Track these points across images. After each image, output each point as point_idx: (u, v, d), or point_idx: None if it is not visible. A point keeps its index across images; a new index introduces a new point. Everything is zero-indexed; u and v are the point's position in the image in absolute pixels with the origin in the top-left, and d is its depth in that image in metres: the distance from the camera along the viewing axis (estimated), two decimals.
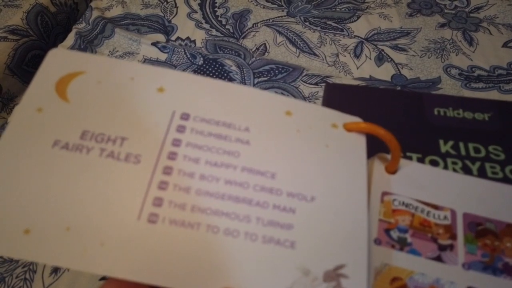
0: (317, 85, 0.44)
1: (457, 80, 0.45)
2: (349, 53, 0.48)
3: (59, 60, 0.19)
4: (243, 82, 0.44)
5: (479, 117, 0.27)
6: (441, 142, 0.25)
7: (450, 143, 0.25)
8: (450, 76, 0.45)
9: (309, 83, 0.44)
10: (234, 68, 0.45)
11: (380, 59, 0.47)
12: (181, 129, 0.18)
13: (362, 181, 0.19)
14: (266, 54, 0.48)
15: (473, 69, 0.46)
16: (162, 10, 0.54)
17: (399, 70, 0.46)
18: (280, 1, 0.56)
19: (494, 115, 0.27)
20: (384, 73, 0.46)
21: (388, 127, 0.26)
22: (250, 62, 0.47)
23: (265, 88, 0.44)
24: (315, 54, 0.48)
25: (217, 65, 0.46)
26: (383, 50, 0.48)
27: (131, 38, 0.49)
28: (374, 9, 0.54)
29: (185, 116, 0.19)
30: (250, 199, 0.17)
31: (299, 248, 0.17)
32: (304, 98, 0.43)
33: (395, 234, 0.20)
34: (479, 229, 0.20)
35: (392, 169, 0.22)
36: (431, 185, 0.21)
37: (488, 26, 0.51)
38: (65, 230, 0.16)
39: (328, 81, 0.44)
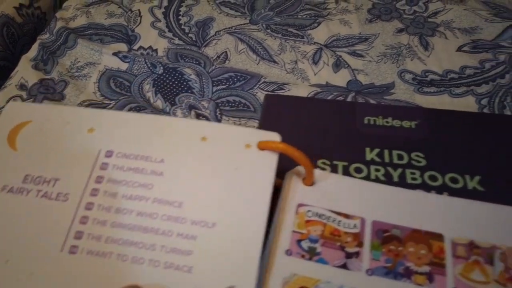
0: (274, 92, 0.45)
1: (410, 85, 0.46)
2: (308, 60, 0.49)
3: (12, 112, 0.22)
4: (202, 90, 0.45)
5: (406, 125, 0.28)
6: (368, 150, 0.26)
7: (376, 150, 0.26)
8: (404, 81, 0.46)
9: (266, 91, 0.45)
10: (193, 76, 0.46)
11: (338, 65, 0.49)
12: (104, 166, 0.21)
13: (264, 203, 0.20)
14: (227, 62, 0.49)
15: (427, 74, 0.47)
16: (126, 20, 0.55)
17: (355, 76, 0.47)
18: (244, 9, 0.57)
19: (421, 122, 0.28)
20: (340, 79, 0.47)
21: (319, 136, 0.27)
22: (209, 71, 0.47)
23: (223, 96, 0.45)
24: (274, 61, 0.49)
25: (177, 74, 0.47)
26: (341, 56, 0.50)
27: (93, 48, 0.49)
28: (335, 16, 0.55)
29: (109, 154, 0.21)
30: (157, 228, 0.19)
31: (195, 272, 0.18)
32: (261, 105, 0.44)
33: (306, 244, 0.21)
34: (385, 236, 0.21)
35: (308, 182, 0.23)
36: (344, 195, 0.22)
37: (444, 31, 0.52)
38: (4, 263, 0.18)
39: (283, 88, 0.45)
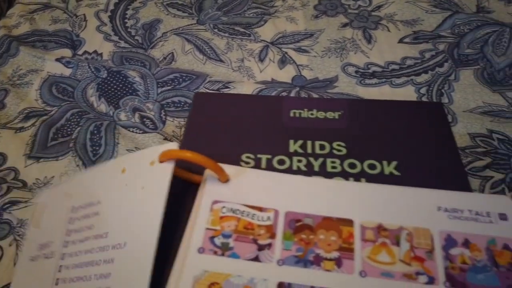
0: (219, 91, 0.45)
1: (353, 77, 0.47)
2: (254, 58, 0.50)
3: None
4: (146, 92, 0.45)
5: (330, 116, 0.28)
6: (291, 142, 0.27)
7: (299, 142, 0.27)
8: (347, 74, 0.47)
9: (211, 89, 0.45)
10: (137, 79, 0.46)
11: (283, 61, 0.49)
12: (71, 220, 0.24)
13: (157, 212, 0.20)
14: (173, 63, 0.49)
15: (369, 66, 0.48)
16: (71, 25, 0.54)
17: (300, 71, 0.48)
18: (191, 9, 0.57)
19: (344, 113, 0.28)
20: (286, 75, 0.48)
21: (245, 131, 0.28)
22: (155, 72, 0.47)
23: (169, 97, 0.45)
24: (221, 60, 0.49)
25: (121, 77, 0.46)
26: (286, 52, 0.50)
27: (36, 55, 0.49)
28: (282, 13, 0.56)
29: (73, 209, 0.24)
30: (93, 260, 0.21)
31: None
32: None
33: (219, 240, 0.21)
34: (297, 225, 0.21)
35: (223, 179, 0.23)
36: (259, 189, 0.23)
37: (387, 24, 0.53)
38: None
39: (228, 86, 0.45)
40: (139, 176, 0.23)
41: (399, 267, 0.20)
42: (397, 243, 0.21)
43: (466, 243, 0.21)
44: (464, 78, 0.46)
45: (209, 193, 0.23)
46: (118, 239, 0.21)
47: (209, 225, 0.21)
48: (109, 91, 0.45)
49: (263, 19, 0.55)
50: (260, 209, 0.22)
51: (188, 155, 0.21)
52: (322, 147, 0.26)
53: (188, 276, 0.20)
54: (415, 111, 0.28)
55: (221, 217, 0.22)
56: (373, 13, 0.55)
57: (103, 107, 0.44)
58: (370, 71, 0.47)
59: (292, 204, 0.22)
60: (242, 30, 0.53)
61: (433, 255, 0.20)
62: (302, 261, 0.20)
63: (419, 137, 0.26)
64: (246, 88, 0.45)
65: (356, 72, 0.47)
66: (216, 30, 0.53)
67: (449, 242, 0.21)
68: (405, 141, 0.26)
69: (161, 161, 0.22)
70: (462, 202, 0.22)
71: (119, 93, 0.45)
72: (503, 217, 0.21)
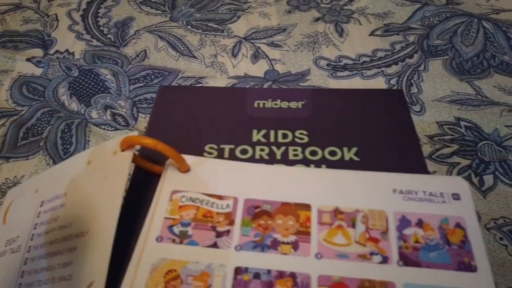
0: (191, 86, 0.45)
1: (324, 70, 0.47)
2: (227, 53, 0.50)
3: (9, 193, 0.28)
4: (118, 90, 0.45)
5: (294, 106, 0.28)
6: (255, 132, 0.27)
7: (263, 132, 0.27)
8: (319, 67, 0.47)
9: (184, 85, 0.45)
10: (109, 76, 0.46)
11: (256, 56, 0.49)
12: (39, 214, 0.24)
13: (117, 201, 0.20)
14: (146, 60, 0.49)
15: (341, 59, 0.48)
16: (42, 25, 0.54)
17: (272, 65, 0.48)
18: (164, 7, 0.56)
19: (307, 102, 0.29)
20: (259, 69, 0.48)
21: (209, 123, 0.28)
22: (127, 70, 0.47)
23: (141, 94, 0.45)
24: (194, 57, 0.50)
25: (92, 75, 0.46)
26: (259, 47, 0.50)
27: (6, 56, 0.48)
28: (255, 9, 0.56)
29: (41, 204, 0.24)
30: (57, 251, 0.21)
31: (73, 279, 0.19)
32: None
33: (177, 229, 0.21)
34: (256, 212, 0.22)
35: (183, 169, 0.23)
36: (219, 178, 0.23)
37: (359, 17, 0.54)
38: None
39: (201, 82, 0.45)
40: (102, 166, 0.23)
41: (354, 248, 0.20)
42: (353, 225, 0.21)
43: (420, 223, 0.21)
44: (433, 68, 0.46)
45: (168, 183, 0.23)
46: (81, 228, 0.21)
47: (167, 215, 0.22)
48: (81, 90, 0.45)
49: (236, 15, 0.55)
50: (220, 197, 0.22)
51: (147, 141, 0.21)
52: (284, 136, 0.27)
53: (146, 264, 0.20)
54: (377, 98, 0.29)
55: (180, 207, 0.22)
56: (345, 7, 0.55)
57: (74, 105, 0.44)
58: (341, 63, 0.48)
59: (252, 192, 0.22)
60: (215, 26, 0.53)
61: (387, 235, 0.21)
62: (259, 246, 0.20)
63: (379, 123, 0.27)
64: (219, 83, 0.45)
65: (328, 65, 0.48)
66: (189, 27, 0.53)
67: (403, 222, 0.21)
68: (366, 128, 0.27)
69: (122, 150, 0.22)
70: (417, 184, 0.22)
71: (90, 91, 0.45)
72: (456, 197, 0.22)
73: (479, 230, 0.21)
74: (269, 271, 0.19)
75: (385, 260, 0.20)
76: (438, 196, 0.22)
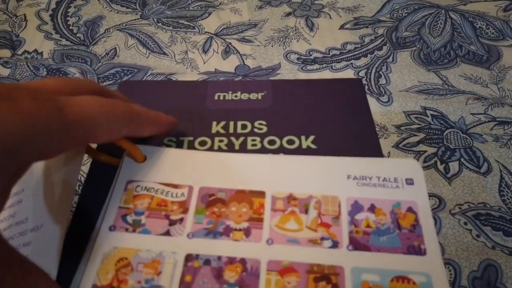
0: None
1: (295, 64, 0.47)
2: (198, 49, 0.50)
3: None
4: None
5: (253, 97, 0.29)
6: (214, 123, 0.27)
7: (222, 123, 0.27)
8: (289, 61, 0.48)
9: (145, 80, 0.45)
10: (77, 75, 0.45)
11: (227, 52, 0.49)
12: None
13: (70, 191, 0.20)
14: (116, 58, 0.49)
15: (311, 53, 0.49)
16: (11, 25, 0.53)
17: (243, 60, 0.48)
18: (135, 5, 0.56)
19: (267, 93, 0.29)
20: (229, 65, 0.48)
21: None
22: (96, 68, 0.47)
23: None
24: (164, 53, 0.49)
25: (60, 75, 0.46)
26: (230, 43, 0.50)
27: None
28: (226, 5, 0.56)
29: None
30: (16, 246, 0.21)
31: None
32: None
33: (131, 218, 0.21)
34: (210, 200, 0.22)
35: (139, 159, 0.23)
36: (174, 167, 0.23)
37: (329, 11, 0.54)
38: None
39: (171, 78, 0.45)
40: (59, 160, 0.23)
41: (305, 233, 0.20)
42: (306, 211, 0.21)
43: (372, 208, 0.21)
44: (401, 60, 0.47)
45: (124, 173, 0.23)
46: (36, 222, 0.21)
47: (122, 204, 0.21)
48: None
49: (207, 11, 0.55)
50: (175, 186, 0.22)
51: None
52: (244, 127, 0.27)
53: (98, 253, 0.20)
54: (335, 88, 0.29)
55: (135, 196, 0.22)
56: (315, 2, 0.56)
57: None
58: (311, 57, 0.48)
59: (207, 180, 0.22)
60: (186, 23, 0.53)
61: (339, 220, 0.21)
62: (212, 233, 0.20)
63: (337, 112, 0.27)
64: (188, 79, 0.45)
65: (298, 59, 0.48)
66: (160, 24, 0.53)
67: (356, 207, 0.21)
68: (324, 117, 0.27)
69: None
70: (371, 168, 0.23)
71: None
72: (409, 181, 0.22)
73: (430, 214, 0.21)
74: (219, 257, 0.19)
75: (335, 245, 0.20)
76: (391, 181, 0.22)
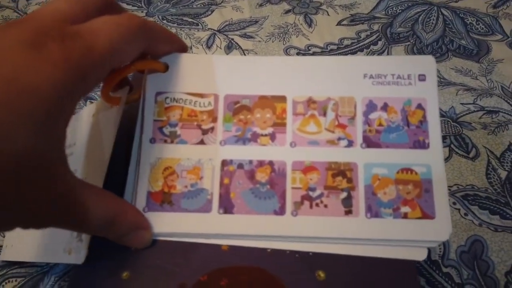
0: None
1: None
2: (202, 45, 0.52)
3: None
4: None
5: None
6: None
7: None
8: (289, 56, 0.50)
9: None
10: None
11: (230, 47, 0.52)
12: None
13: (113, 129, 0.22)
14: None
15: (309, 48, 0.51)
16: None
17: (245, 55, 0.50)
18: (141, 3, 0.59)
19: None
20: None
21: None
22: None
23: None
24: None
25: None
26: (233, 39, 0.53)
27: None
28: (228, 3, 0.58)
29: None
30: None
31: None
32: None
33: (167, 130, 0.23)
34: (236, 107, 0.23)
35: (161, 69, 0.23)
36: (198, 75, 0.24)
37: (327, 8, 0.57)
38: None
39: None
40: (104, 114, 0.25)
41: (324, 135, 0.22)
42: (324, 114, 0.23)
43: (385, 107, 0.23)
44: (396, 54, 0.49)
45: (151, 86, 0.24)
46: (83, 174, 0.23)
47: (156, 117, 0.23)
48: None
49: (210, 9, 0.57)
50: (201, 95, 0.24)
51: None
52: None
53: (145, 164, 0.22)
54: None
55: (166, 108, 0.23)
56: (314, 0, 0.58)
57: None
58: (310, 52, 0.50)
59: (230, 87, 0.24)
60: (190, 20, 0.56)
61: (354, 121, 0.23)
62: (241, 139, 0.23)
63: None
64: None
65: (297, 53, 0.50)
66: (164, 21, 0.55)
67: (370, 107, 0.23)
68: None
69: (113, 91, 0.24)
70: (388, 66, 0.23)
71: None
72: (422, 78, 0.23)
73: (438, 110, 0.22)
74: (250, 161, 0.22)
75: (350, 143, 0.22)
76: (405, 78, 0.23)
